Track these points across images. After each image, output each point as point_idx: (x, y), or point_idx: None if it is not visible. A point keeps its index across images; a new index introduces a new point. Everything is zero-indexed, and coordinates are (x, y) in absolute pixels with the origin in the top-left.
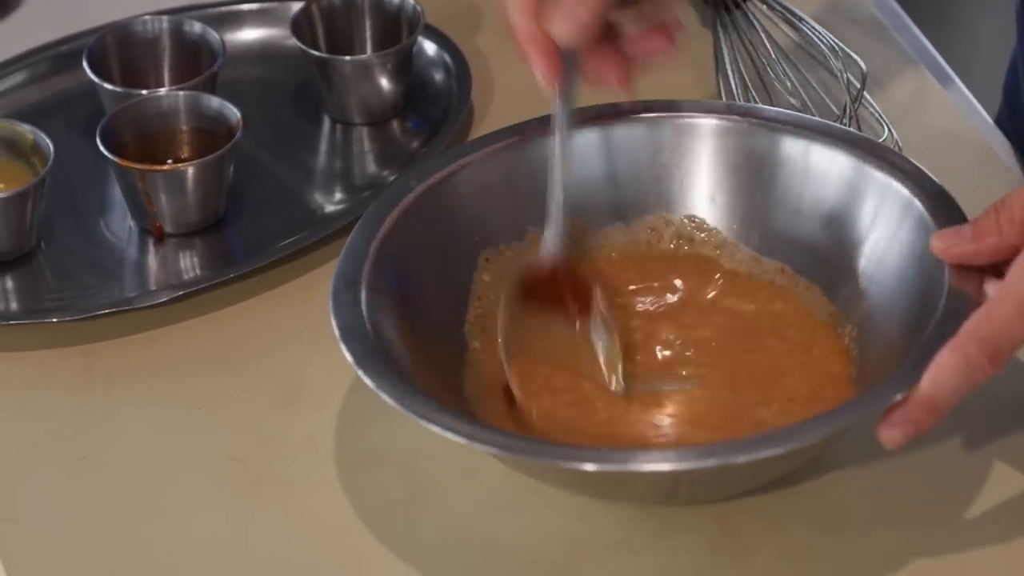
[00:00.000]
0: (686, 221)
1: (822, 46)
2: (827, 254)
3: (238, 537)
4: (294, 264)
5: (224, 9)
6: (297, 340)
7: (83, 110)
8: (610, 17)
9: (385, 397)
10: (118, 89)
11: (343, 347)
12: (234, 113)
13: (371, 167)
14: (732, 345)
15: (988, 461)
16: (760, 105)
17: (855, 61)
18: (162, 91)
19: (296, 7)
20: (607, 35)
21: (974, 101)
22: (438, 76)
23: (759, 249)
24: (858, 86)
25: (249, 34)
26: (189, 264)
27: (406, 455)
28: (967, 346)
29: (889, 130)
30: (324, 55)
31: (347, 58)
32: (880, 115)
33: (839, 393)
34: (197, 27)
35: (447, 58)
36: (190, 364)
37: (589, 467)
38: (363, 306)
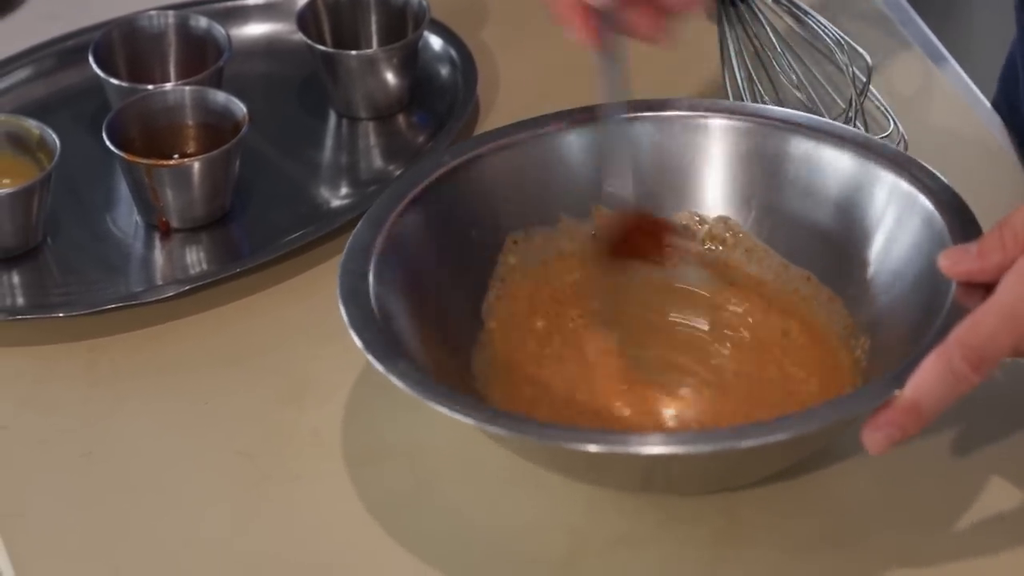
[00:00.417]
0: (719, 222)
1: (827, 40)
2: (847, 265)
3: (245, 531)
4: (300, 259)
5: (230, 4)
6: (303, 334)
7: (89, 105)
8: None
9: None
10: (124, 84)
11: (349, 326)
12: (240, 108)
13: (377, 162)
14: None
15: (993, 455)
16: (801, 112)
17: (860, 55)
18: (168, 86)
19: (302, 2)
20: None
21: (979, 94)
22: (444, 71)
23: (788, 256)
24: (863, 79)
25: (255, 29)
26: (195, 259)
27: (412, 448)
28: (952, 353)
29: (895, 123)
30: (330, 50)
31: (353, 53)
32: (885, 108)
33: None
34: (203, 22)
35: (453, 53)
36: (196, 359)
37: (593, 448)
38: (371, 287)
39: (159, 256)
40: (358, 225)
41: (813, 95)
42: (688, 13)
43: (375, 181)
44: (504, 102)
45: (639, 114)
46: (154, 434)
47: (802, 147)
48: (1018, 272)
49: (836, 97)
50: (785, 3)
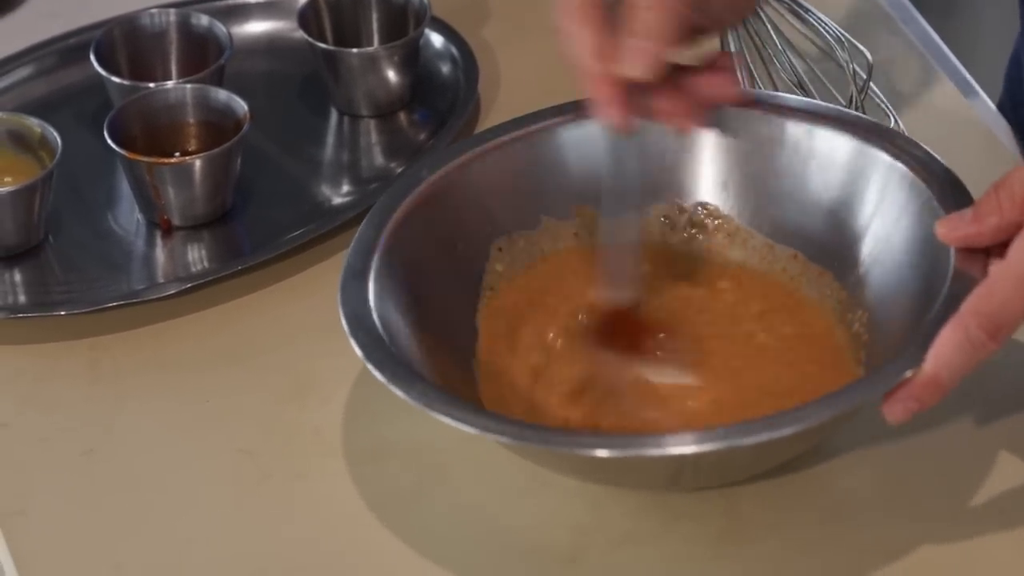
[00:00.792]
0: (699, 208)
1: (828, 37)
2: (837, 239)
3: (246, 529)
4: (301, 256)
5: (231, 2)
6: (305, 333)
7: (91, 103)
8: (671, 58)
9: (394, 389)
10: (125, 82)
11: (350, 338)
12: (241, 106)
13: (378, 159)
14: (737, 343)
15: (995, 449)
16: (769, 91)
17: (861, 52)
18: (169, 84)
19: (303, 0)
20: (670, 75)
21: (980, 91)
22: (445, 68)
23: (772, 236)
24: (864, 77)
25: (256, 27)
26: (196, 257)
27: (414, 446)
28: (967, 322)
29: (895, 121)
30: (331, 48)
31: (354, 51)
32: (887, 106)
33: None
34: (204, 20)
35: (454, 50)
36: (198, 357)
37: (601, 453)
38: (371, 296)
39: (160, 254)
40: (350, 248)
41: (814, 92)
42: (715, 101)
43: (376, 179)
44: (505, 99)
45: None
46: (155, 432)
47: (783, 127)
48: None
49: (837, 95)
50: (786, 1)
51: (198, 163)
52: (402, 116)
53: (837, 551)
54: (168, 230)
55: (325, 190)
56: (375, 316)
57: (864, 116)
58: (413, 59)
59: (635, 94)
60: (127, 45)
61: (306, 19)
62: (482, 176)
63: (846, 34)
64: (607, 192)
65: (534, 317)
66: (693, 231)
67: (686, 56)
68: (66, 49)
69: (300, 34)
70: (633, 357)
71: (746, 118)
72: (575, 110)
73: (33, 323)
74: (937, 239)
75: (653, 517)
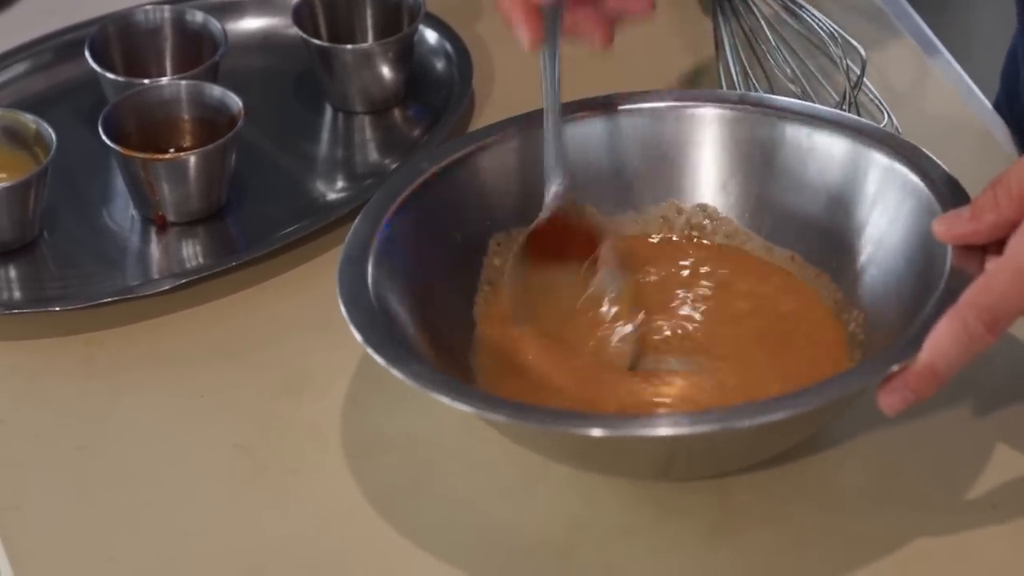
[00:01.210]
0: (698, 210)
1: (822, 33)
2: (835, 241)
3: (242, 524)
4: (296, 252)
5: None
6: (300, 328)
7: (86, 100)
8: None
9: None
10: (120, 78)
11: (347, 319)
12: (236, 102)
13: (373, 155)
14: (738, 332)
15: (989, 442)
16: (769, 95)
17: (855, 48)
18: (164, 80)
19: None
20: None
21: (974, 87)
22: (439, 64)
23: (771, 238)
24: (858, 72)
25: (251, 23)
26: (191, 253)
27: (410, 440)
28: (965, 314)
29: (889, 116)
30: (325, 44)
31: (348, 47)
32: (880, 101)
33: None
34: (199, 16)
35: (448, 46)
36: (193, 352)
37: (596, 432)
38: (369, 281)
39: (155, 250)
40: (346, 240)
41: (808, 88)
42: (633, 18)
43: (371, 175)
44: (499, 95)
45: (626, 107)
46: (151, 427)
47: (783, 130)
48: None
49: (831, 90)
50: None
51: (193, 159)
52: (396, 112)
53: (831, 543)
54: (163, 226)
55: (320, 186)
56: (373, 299)
57: (862, 120)
58: (407, 55)
59: (550, 13)
60: (122, 41)
61: (300, 15)
62: (483, 170)
63: (840, 30)
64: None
65: (534, 312)
66: (692, 232)
67: None
68: (61, 45)
69: (295, 30)
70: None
71: (746, 120)
72: (577, 108)
73: (28, 319)
74: (934, 240)
75: (647, 510)
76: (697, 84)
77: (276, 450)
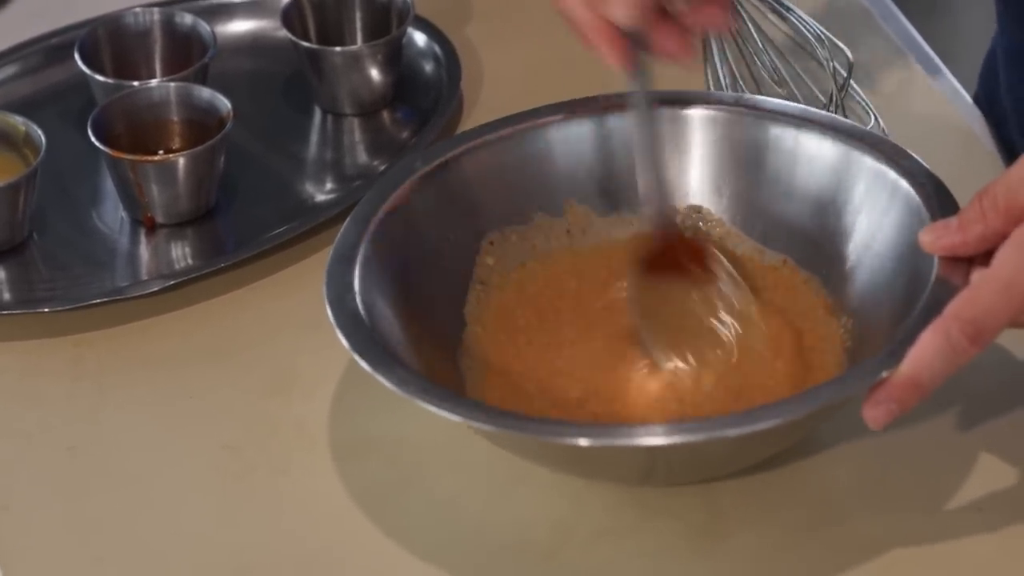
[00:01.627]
0: (690, 211)
1: (809, 35)
2: (824, 245)
3: (230, 524)
4: (285, 253)
5: (215, 1)
6: (288, 329)
7: (75, 102)
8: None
9: (377, 376)
10: (110, 81)
11: (333, 322)
12: (225, 104)
13: (361, 157)
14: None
15: (973, 449)
16: (763, 97)
17: (842, 50)
18: (153, 82)
19: None
20: (662, 12)
21: (960, 89)
22: (428, 67)
23: (763, 240)
24: (844, 75)
25: (240, 26)
26: (180, 254)
27: (397, 441)
28: (949, 326)
29: (875, 118)
30: (314, 46)
31: (337, 49)
32: (866, 103)
33: None
34: (188, 19)
35: (437, 49)
36: (181, 353)
37: (581, 442)
38: (356, 282)
39: (144, 251)
40: (335, 242)
41: (794, 90)
42: (711, 29)
43: (359, 177)
44: (488, 98)
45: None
46: (139, 428)
47: (774, 132)
48: (1014, 244)
49: (817, 92)
50: None
51: (182, 161)
52: (385, 114)
53: (816, 547)
54: (152, 227)
55: (308, 188)
56: (359, 302)
57: (853, 123)
58: (396, 58)
59: (633, 35)
60: (111, 44)
61: (290, 18)
62: (476, 169)
63: (827, 32)
64: (632, 107)
65: (526, 312)
66: (685, 233)
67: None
68: (51, 48)
69: (284, 33)
70: (678, 280)
71: (738, 122)
72: (571, 108)
73: (17, 320)
74: (921, 248)
75: (632, 512)
76: (685, 86)
77: (264, 450)
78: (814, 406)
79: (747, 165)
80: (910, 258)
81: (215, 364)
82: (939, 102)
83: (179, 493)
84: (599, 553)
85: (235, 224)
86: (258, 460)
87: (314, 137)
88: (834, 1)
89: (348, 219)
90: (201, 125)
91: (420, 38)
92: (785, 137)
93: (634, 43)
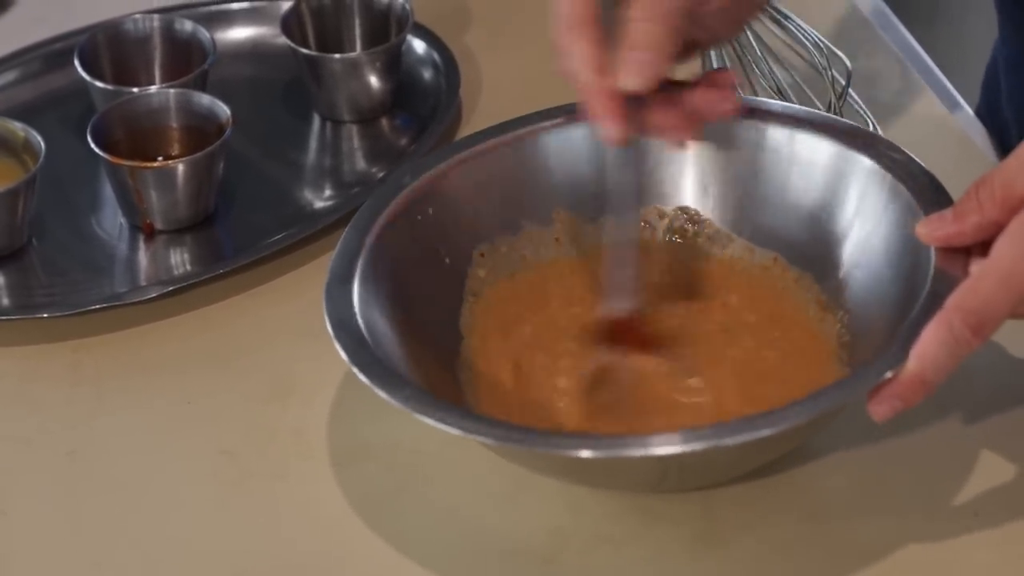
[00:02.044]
0: (679, 212)
1: (807, 43)
2: (818, 242)
3: (228, 530)
4: (283, 260)
5: (215, 8)
6: (286, 335)
7: (75, 108)
8: (668, 73)
9: (380, 392)
10: (109, 87)
11: (335, 342)
12: (224, 111)
13: (360, 164)
14: (724, 338)
15: (972, 452)
16: (749, 96)
17: (840, 58)
18: (153, 89)
19: (286, 6)
20: (665, 91)
21: (959, 98)
22: (427, 74)
23: (753, 239)
24: (843, 83)
25: (239, 32)
26: (179, 260)
27: (395, 448)
28: (951, 318)
29: (874, 126)
30: (314, 53)
31: (336, 56)
32: (865, 112)
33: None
34: (188, 25)
35: (436, 56)
36: (180, 359)
37: (583, 454)
38: (355, 300)
39: (143, 257)
40: (333, 257)
41: (793, 99)
42: (715, 117)
43: (358, 184)
44: (487, 105)
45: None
46: (138, 434)
47: (764, 132)
48: (1012, 234)
49: (816, 101)
50: (767, 7)
51: (181, 167)
52: (384, 121)
53: (815, 552)
54: (151, 234)
55: (307, 195)
56: (360, 320)
57: (844, 120)
58: (395, 65)
59: (633, 108)
60: (111, 50)
61: (289, 25)
62: (465, 182)
63: (825, 40)
64: (610, 199)
65: (520, 322)
66: (674, 236)
67: (681, 72)
68: (51, 54)
69: (283, 40)
70: (634, 361)
71: (728, 123)
72: (558, 115)
73: (16, 325)
74: (917, 241)
75: (631, 519)
76: None
77: (262, 456)
78: (818, 411)
79: (739, 165)
80: (906, 253)
81: (213, 370)
82: (938, 111)
83: (177, 499)
84: (598, 559)
85: (234, 230)
86: (256, 466)
87: (313, 144)
88: (833, 10)
89: (344, 232)
90: (200, 132)
91: (419, 45)
92: (779, 137)
93: (632, 120)
